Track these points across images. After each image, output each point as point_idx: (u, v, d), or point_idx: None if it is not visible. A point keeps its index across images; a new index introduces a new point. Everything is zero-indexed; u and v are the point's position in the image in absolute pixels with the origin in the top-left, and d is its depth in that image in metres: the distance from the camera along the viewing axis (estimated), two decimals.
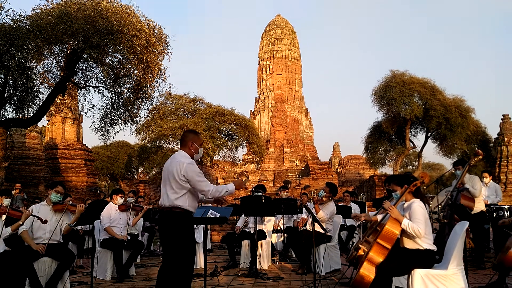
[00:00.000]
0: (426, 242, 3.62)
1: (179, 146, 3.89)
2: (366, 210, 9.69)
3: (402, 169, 30.59)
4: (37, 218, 4.73)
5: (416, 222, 3.57)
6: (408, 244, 3.69)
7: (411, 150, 24.11)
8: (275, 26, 45.24)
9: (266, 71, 44.73)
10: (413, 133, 23.26)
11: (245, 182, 4.01)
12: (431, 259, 3.63)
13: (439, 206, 5.92)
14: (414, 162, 39.21)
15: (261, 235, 6.64)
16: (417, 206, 3.67)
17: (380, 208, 4.28)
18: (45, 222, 4.74)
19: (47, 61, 12.00)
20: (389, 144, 23.81)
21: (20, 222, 4.62)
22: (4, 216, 4.51)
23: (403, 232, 3.66)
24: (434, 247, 3.66)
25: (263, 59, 45.04)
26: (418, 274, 3.50)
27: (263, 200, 6.18)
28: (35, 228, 4.93)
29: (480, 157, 5.38)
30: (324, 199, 6.10)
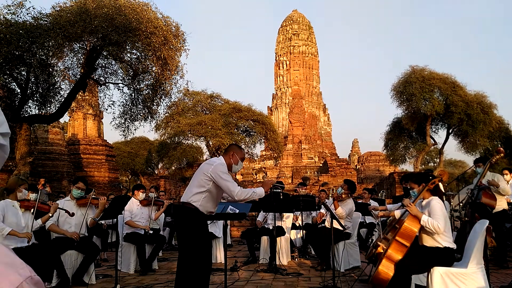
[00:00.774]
0: (445, 240, 3.61)
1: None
2: None
3: (423, 166, 30.13)
4: (64, 211, 4.91)
5: (435, 219, 3.56)
6: (427, 241, 3.69)
7: (432, 147, 23.68)
8: (291, 21, 44.93)
9: (283, 67, 44.52)
10: (434, 129, 22.85)
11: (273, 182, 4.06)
12: (450, 257, 3.62)
13: (460, 204, 5.86)
14: (435, 159, 38.58)
15: (280, 231, 6.70)
16: (436, 203, 3.67)
17: (400, 205, 4.28)
18: (72, 214, 4.93)
19: (68, 58, 12.26)
20: (409, 140, 23.44)
21: (50, 214, 4.80)
22: (33, 210, 4.70)
23: (422, 230, 3.66)
24: (453, 245, 3.65)
25: (280, 55, 44.81)
26: (438, 272, 3.49)
27: (281, 197, 6.23)
28: (61, 222, 5.11)
29: (502, 154, 5.28)
30: (343, 195, 6.11)
